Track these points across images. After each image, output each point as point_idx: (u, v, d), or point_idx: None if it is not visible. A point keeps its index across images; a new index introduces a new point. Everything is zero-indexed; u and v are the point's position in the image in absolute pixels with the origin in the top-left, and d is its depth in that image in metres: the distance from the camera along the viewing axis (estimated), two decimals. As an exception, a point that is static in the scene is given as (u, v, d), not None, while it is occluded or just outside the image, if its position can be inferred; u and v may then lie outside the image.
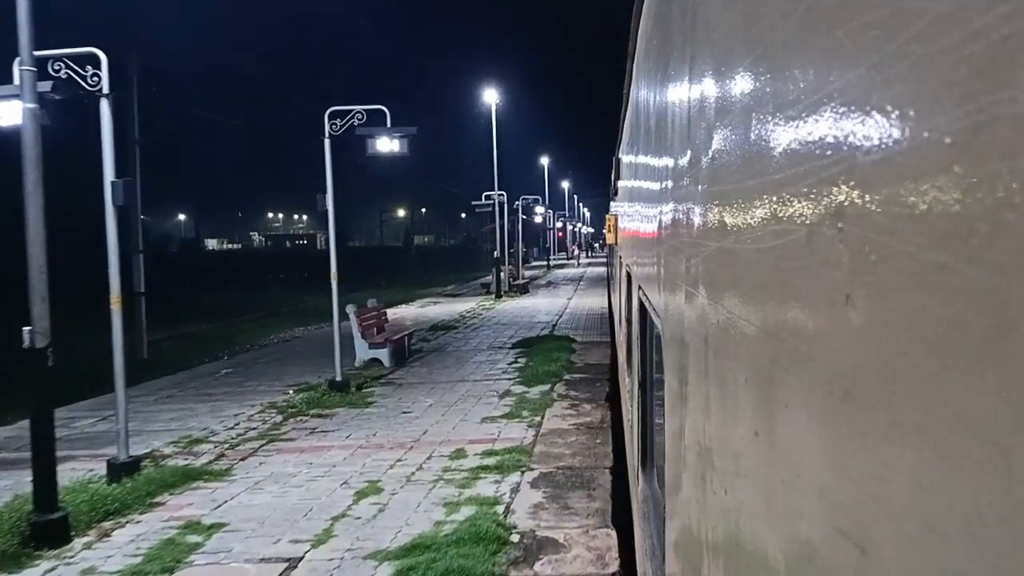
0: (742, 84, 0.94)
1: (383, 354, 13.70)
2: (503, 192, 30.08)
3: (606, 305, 24.48)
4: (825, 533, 0.59)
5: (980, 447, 0.37)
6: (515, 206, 33.95)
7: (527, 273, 45.74)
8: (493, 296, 28.90)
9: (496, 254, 29.20)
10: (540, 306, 25.14)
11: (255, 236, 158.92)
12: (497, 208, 29.27)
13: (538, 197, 35.62)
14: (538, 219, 49.62)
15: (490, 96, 29.13)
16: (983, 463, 0.36)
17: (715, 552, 1.11)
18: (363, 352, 13.77)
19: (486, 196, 29.86)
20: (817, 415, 0.62)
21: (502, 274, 30.53)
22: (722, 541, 1.05)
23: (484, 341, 16.66)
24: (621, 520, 5.70)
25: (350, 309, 13.76)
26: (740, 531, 0.93)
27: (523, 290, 31.36)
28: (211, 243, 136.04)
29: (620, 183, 7.86)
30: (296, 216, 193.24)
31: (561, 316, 21.48)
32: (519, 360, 13.74)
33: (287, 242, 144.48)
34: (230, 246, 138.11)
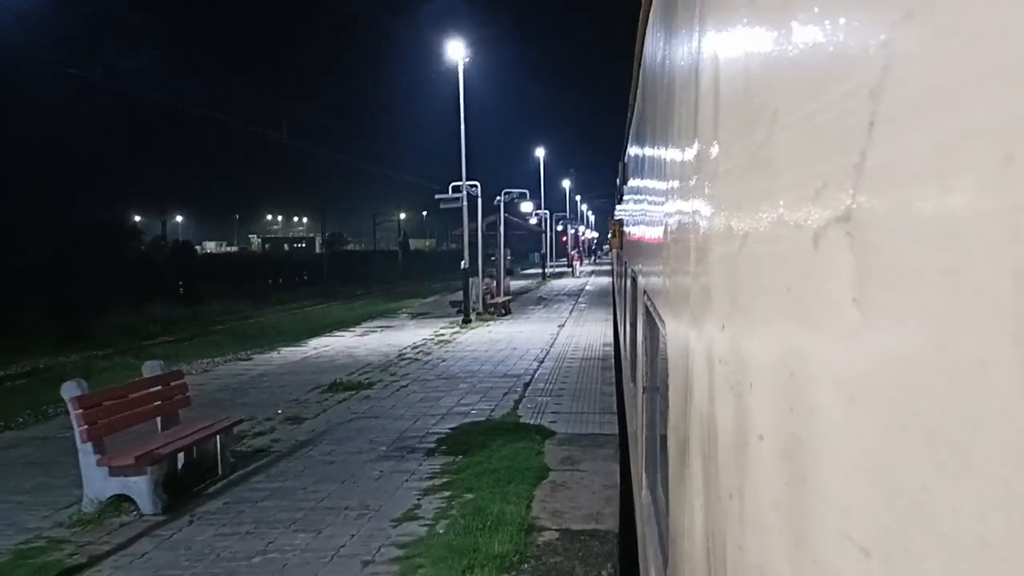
0: (748, 87, 0.93)
1: (139, 488, 6.44)
2: (476, 183, 22.81)
3: (611, 338, 17.16)
4: (829, 537, 0.59)
5: (988, 451, 0.37)
6: (496, 202, 26.66)
7: (517, 284, 38.39)
8: (461, 319, 21.65)
9: (464, 264, 21.88)
10: (518, 339, 17.82)
11: (254, 239, 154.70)
12: (467, 203, 21.98)
13: (525, 191, 28.33)
14: (533, 220, 42.28)
15: (456, 51, 21.74)
16: (991, 467, 0.37)
17: (719, 557, 1.09)
18: (96, 485, 6.53)
19: (454, 188, 22.58)
20: (822, 419, 0.62)
21: (477, 290, 23.24)
22: (726, 546, 1.04)
23: (395, 426, 9.39)
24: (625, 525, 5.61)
25: (68, 392, 6.53)
26: (744, 535, 0.92)
27: (504, 310, 24.05)
28: (210, 245, 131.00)
29: (626, 188, 7.98)
30: (296, 219, 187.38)
31: (542, 362, 14.16)
32: (427, 500, 6.46)
33: (285, 245, 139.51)
34: (228, 248, 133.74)
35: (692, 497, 1.42)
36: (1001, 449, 0.36)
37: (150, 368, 7.62)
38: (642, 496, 3.76)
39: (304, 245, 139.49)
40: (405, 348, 16.77)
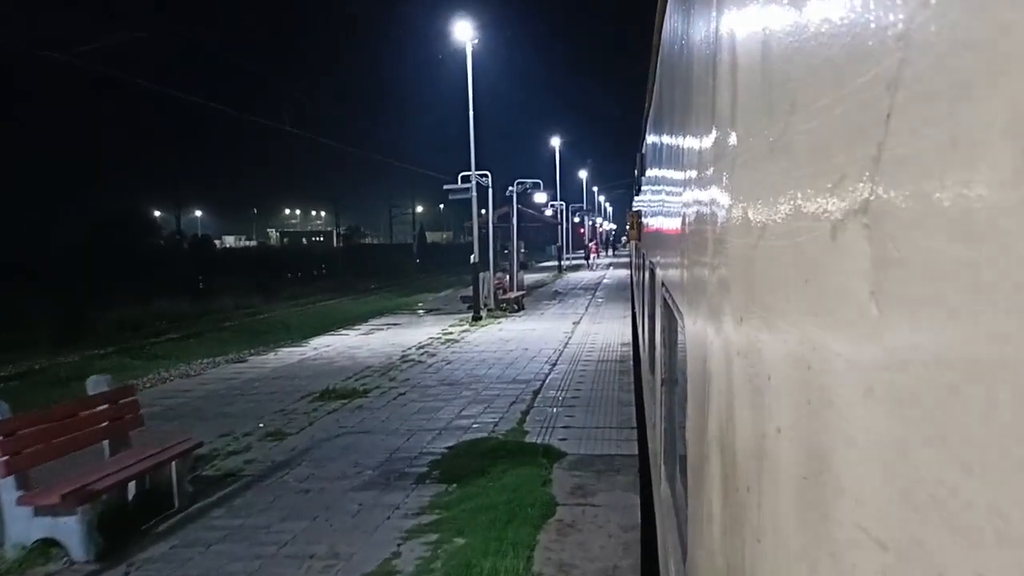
0: (766, 79, 0.92)
1: (69, 530, 5.43)
2: (486, 173, 21.69)
3: (629, 336, 16.02)
4: (846, 530, 0.59)
5: (1005, 445, 0.37)
6: (509, 193, 25.50)
7: (532, 278, 37.31)
8: (471, 316, 20.58)
9: (474, 258, 20.79)
10: (530, 337, 16.72)
11: (272, 232, 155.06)
12: (476, 194, 20.88)
13: (539, 181, 27.14)
14: (548, 212, 41.05)
15: (463, 33, 20.58)
16: (1007, 461, 0.37)
17: (736, 549, 1.10)
18: (19, 526, 5.52)
19: (463, 178, 21.47)
20: (839, 412, 0.62)
21: (488, 285, 22.17)
22: (744, 538, 1.04)
23: (386, 443, 8.32)
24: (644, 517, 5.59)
25: (-15, 418, 5.52)
26: (761, 528, 0.92)
27: (516, 306, 22.95)
28: (229, 240, 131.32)
29: (644, 179, 8.16)
30: (314, 212, 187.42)
31: (555, 365, 13.05)
32: (408, 547, 5.37)
33: (303, 239, 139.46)
34: (247, 243, 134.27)
35: (710, 489, 1.41)
36: (1018, 444, 0.35)
37: (94, 384, 6.59)
38: (661, 488, 3.76)
39: (322, 239, 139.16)
40: (409, 348, 15.73)
